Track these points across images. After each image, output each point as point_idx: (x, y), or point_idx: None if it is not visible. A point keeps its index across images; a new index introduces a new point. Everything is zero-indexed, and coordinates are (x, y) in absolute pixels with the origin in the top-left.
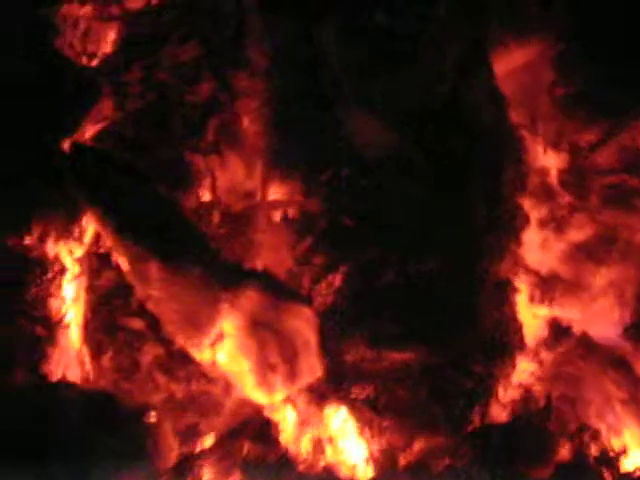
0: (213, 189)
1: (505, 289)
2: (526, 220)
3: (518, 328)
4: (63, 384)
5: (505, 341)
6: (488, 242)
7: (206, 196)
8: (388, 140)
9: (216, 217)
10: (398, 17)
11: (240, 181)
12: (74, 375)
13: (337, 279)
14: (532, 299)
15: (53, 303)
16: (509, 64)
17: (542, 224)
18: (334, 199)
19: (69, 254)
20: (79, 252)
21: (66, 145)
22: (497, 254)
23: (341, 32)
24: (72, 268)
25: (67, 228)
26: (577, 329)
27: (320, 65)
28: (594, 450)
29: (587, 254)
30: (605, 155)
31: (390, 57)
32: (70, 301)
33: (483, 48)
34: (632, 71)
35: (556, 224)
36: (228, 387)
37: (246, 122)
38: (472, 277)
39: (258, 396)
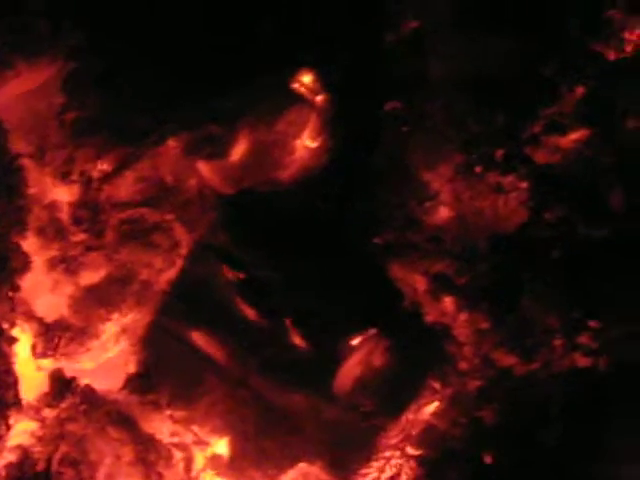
0: None
1: None
2: (26, 261)
3: (13, 383)
4: None
5: None
6: None
7: None
8: None
9: None
10: None
11: None
12: None
13: None
14: (35, 349)
15: None
16: (19, 88)
17: (52, 265)
18: None
19: None
20: None
21: None
22: None
23: None
24: None
25: None
26: (83, 382)
27: None
28: None
29: (99, 298)
30: (122, 186)
31: None
32: None
33: None
34: (201, 85)
35: (67, 265)
36: None
37: None
38: None
39: None
